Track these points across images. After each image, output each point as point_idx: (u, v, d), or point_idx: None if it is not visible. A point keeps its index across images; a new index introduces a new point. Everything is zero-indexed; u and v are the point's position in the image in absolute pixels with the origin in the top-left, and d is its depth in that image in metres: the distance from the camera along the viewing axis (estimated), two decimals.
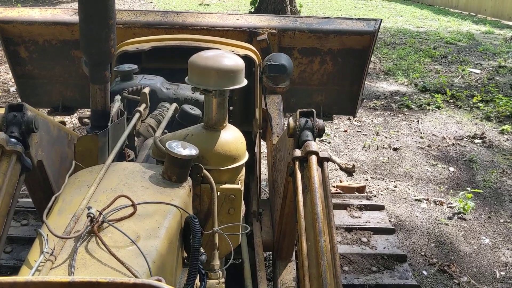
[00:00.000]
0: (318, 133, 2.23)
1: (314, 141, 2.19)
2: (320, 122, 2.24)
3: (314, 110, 2.26)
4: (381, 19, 3.54)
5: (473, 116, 7.17)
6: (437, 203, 5.01)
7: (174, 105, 2.56)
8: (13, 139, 1.97)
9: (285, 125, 2.96)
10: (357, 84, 3.78)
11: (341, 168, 5.45)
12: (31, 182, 2.30)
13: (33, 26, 3.69)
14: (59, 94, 4.03)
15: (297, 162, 2.12)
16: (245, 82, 2.02)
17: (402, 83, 8.57)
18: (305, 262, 1.85)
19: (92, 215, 1.46)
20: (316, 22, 3.55)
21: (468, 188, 5.20)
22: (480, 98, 7.68)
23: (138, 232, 1.52)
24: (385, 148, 6.12)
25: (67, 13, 3.81)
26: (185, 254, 1.85)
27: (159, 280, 1.06)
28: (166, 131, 2.37)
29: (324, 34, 3.43)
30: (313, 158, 2.06)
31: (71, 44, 3.81)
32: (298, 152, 2.14)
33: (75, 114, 4.81)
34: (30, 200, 2.95)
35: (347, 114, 4.32)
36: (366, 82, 8.49)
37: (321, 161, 2.08)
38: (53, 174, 2.30)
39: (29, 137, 2.06)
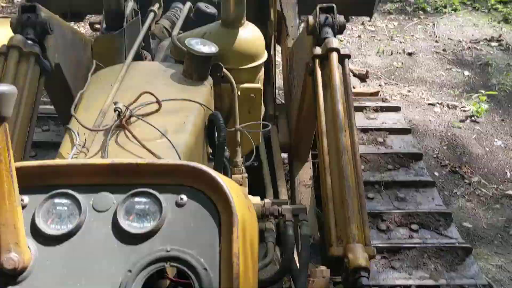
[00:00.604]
0: (339, 29, 2.14)
1: (335, 38, 2.11)
2: (340, 18, 2.14)
3: (334, 5, 2.15)
4: None
5: (491, 18, 6.91)
6: (450, 107, 4.99)
7: (188, 4, 2.48)
8: (29, 41, 1.95)
9: (301, 27, 2.87)
10: None
11: (354, 74, 5.38)
12: (51, 86, 2.30)
13: None
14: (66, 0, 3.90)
15: (317, 60, 2.08)
16: None
17: None
18: (326, 158, 1.88)
19: (119, 110, 1.48)
20: None
21: (482, 91, 5.15)
22: (499, 0, 7.35)
23: (165, 126, 1.54)
24: (399, 53, 5.98)
25: None
26: (210, 150, 1.89)
27: None
28: (181, 31, 2.32)
29: None
30: (334, 55, 2.02)
31: None
32: (318, 50, 2.09)
33: (85, 21, 4.68)
34: (50, 107, 2.97)
35: (363, 15, 4.17)
36: None
37: (342, 58, 2.04)
38: (71, 77, 2.29)
39: (44, 39, 2.02)
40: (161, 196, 0.98)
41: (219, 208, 0.99)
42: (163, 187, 1.00)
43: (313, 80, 2.07)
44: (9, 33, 5.09)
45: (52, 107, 2.94)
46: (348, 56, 2.06)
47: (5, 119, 0.88)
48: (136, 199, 0.98)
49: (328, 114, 1.95)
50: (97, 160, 0.99)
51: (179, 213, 0.98)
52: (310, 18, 2.16)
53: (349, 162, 1.82)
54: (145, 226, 0.96)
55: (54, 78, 2.20)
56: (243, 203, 1.04)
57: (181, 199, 0.99)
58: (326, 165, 1.86)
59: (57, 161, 1.00)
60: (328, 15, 2.14)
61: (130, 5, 2.30)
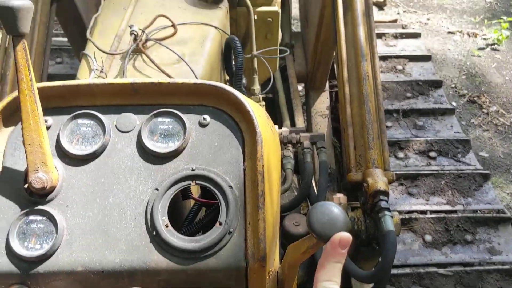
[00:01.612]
0: None
1: None
2: None
3: None
4: None
5: None
6: (470, 35, 4.83)
7: None
8: None
9: None
10: None
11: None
12: (63, 16, 2.25)
13: None
14: None
15: None
16: None
17: None
18: (346, 87, 1.84)
19: (135, 33, 1.44)
20: None
21: (504, 18, 4.95)
22: None
23: (182, 51, 1.50)
24: None
25: None
26: (227, 77, 1.85)
27: None
28: None
29: None
30: None
31: None
32: None
33: None
34: (62, 39, 2.93)
35: None
36: None
37: None
38: (82, 7, 2.24)
39: None
40: (184, 116, 0.96)
41: (242, 127, 0.98)
42: (186, 107, 0.99)
43: (333, 2, 1.99)
44: None
45: (65, 39, 2.90)
46: None
47: (23, 36, 0.86)
48: (160, 119, 0.97)
49: (348, 39, 1.89)
50: (119, 80, 0.97)
51: (203, 133, 0.97)
52: None
53: (370, 90, 1.78)
54: (170, 145, 0.95)
55: (66, 8, 2.15)
56: (265, 123, 1.02)
57: (204, 119, 0.98)
58: (346, 93, 1.82)
59: (79, 81, 0.98)
60: None
61: None
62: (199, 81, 1.01)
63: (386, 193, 1.58)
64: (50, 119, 0.98)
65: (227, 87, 0.99)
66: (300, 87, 3.19)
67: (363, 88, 1.77)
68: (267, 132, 1.01)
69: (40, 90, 0.92)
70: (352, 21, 1.88)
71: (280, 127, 2.06)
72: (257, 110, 1.00)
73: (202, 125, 0.99)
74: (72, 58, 2.91)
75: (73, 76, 2.79)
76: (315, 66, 2.74)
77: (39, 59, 1.77)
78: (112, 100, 0.99)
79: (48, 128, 0.97)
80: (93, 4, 2.30)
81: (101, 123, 0.97)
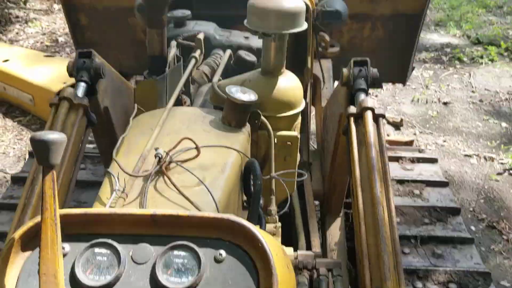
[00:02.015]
0: (372, 82, 2.17)
1: (368, 90, 2.14)
2: (374, 70, 2.18)
3: (368, 58, 2.19)
4: None
5: None
6: (487, 158, 4.87)
7: (229, 51, 2.54)
8: (79, 95, 2.03)
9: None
10: (408, 51, 3.67)
11: (389, 122, 5.33)
12: (98, 127, 2.35)
13: None
14: (116, 61, 4.07)
15: (351, 118, 2.05)
16: (305, 25, 1.97)
17: (454, 35, 8.18)
18: (361, 212, 1.83)
19: (160, 156, 1.49)
20: None
21: None
22: None
23: (204, 173, 1.54)
24: (435, 102, 5.93)
25: None
26: (245, 198, 1.87)
27: None
28: (220, 78, 2.36)
29: None
30: (369, 114, 1.98)
31: (128, 11, 3.84)
32: (352, 109, 2.06)
33: (132, 81, 4.87)
34: (88, 145, 3.03)
35: (397, 81, 4.23)
36: None
37: (377, 117, 2.00)
38: (117, 121, 2.36)
39: (97, 83, 2.14)
40: (200, 251, 0.96)
41: (258, 265, 0.97)
42: (202, 240, 0.99)
43: (348, 139, 2.04)
44: (53, 71, 5.27)
45: (90, 145, 3.01)
46: (383, 116, 2.03)
47: (53, 167, 0.89)
48: (175, 252, 0.97)
49: (363, 172, 1.91)
50: (139, 211, 0.99)
51: (218, 269, 0.96)
52: (345, 70, 2.21)
53: (385, 221, 1.77)
54: (183, 281, 0.94)
55: (101, 121, 2.26)
56: (282, 261, 1.01)
57: (220, 254, 0.97)
58: (361, 223, 1.82)
59: (100, 210, 1.00)
60: (361, 67, 2.17)
61: (173, 51, 2.37)
62: (218, 215, 1.02)
63: None
64: (68, 246, 0.99)
65: (246, 223, 1.00)
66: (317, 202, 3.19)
67: (378, 218, 1.76)
68: (283, 271, 1.00)
69: (62, 217, 0.94)
70: (366, 155, 1.91)
71: (295, 249, 2.03)
72: (274, 248, 0.99)
73: (218, 260, 0.98)
74: (95, 165, 3.00)
75: (94, 183, 2.84)
76: (331, 189, 2.76)
77: (68, 177, 1.83)
78: (130, 230, 1.00)
79: (65, 255, 0.98)
80: (127, 121, 2.42)
81: (117, 253, 0.97)
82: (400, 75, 3.81)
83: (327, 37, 3.06)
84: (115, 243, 0.96)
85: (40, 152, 0.87)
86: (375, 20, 3.56)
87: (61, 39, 7.60)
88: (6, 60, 5.48)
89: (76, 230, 1.00)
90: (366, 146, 1.91)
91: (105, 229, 1.00)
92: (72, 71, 2.09)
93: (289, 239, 2.76)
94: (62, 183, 1.81)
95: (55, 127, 1.87)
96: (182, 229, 1.00)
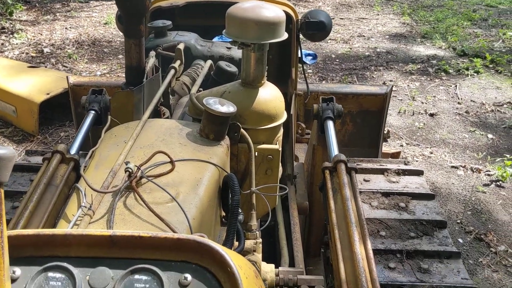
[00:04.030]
0: (337, 114, 2.58)
1: (334, 119, 2.55)
2: (338, 106, 2.61)
3: (333, 96, 2.66)
4: (393, 85, 4.08)
5: None
6: (474, 170, 4.85)
7: (209, 62, 2.48)
8: (73, 153, 2.05)
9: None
10: (374, 145, 4.00)
11: None
12: None
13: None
14: None
15: (326, 172, 2.14)
16: (285, 35, 1.92)
17: (439, 47, 8.23)
18: (338, 251, 1.80)
19: (130, 170, 1.42)
20: (337, 86, 4.09)
21: (507, 155, 5.00)
22: None
23: (178, 188, 1.47)
24: (421, 113, 5.92)
25: None
26: (223, 213, 1.80)
27: (202, 236, 1.01)
28: (201, 89, 2.30)
29: (344, 95, 3.86)
30: (342, 166, 2.10)
31: None
32: (327, 163, 2.19)
33: None
34: None
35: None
36: (402, 46, 8.14)
37: (349, 171, 2.11)
38: None
39: (105, 115, 2.33)
40: (163, 274, 0.89)
41: None
42: (166, 263, 0.92)
43: (324, 193, 2.10)
44: (37, 82, 5.22)
45: None
46: (355, 170, 2.12)
47: (1, 185, 0.82)
48: (136, 276, 0.89)
49: (338, 217, 1.94)
50: (97, 231, 0.92)
51: None
52: (315, 105, 2.61)
53: (365, 271, 1.72)
54: None
55: None
56: (253, 285, 0.94)
57: (185, 278, 0.90)
58: (339, 255, 1.78)
59: (54, 231, 0.93)
60: (328, 102, 2.62)
61: (151, 61, 2.31)
62: (183, 236, 0.95)
63: None
64: (19, 270, 0.91)
65: (213, 244, 0.93)
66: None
67: (355, 253, 1.73)
68: None
69: (13, 238, 0.87)
70: (342, 204, 1.94)
71: (277, 266, 1.96)
72: (244, 271, 0.92)
73: (183, 285, 0.91)
74: None
75: None
76: (310, 233, 2.81)
77: (52, 221, 1.75)
78: (88, 252, 0.93)
79: (15, 280, 0.90)
80: None
81: (72, 277, 0.90)
82: (373, 152, 4.11)
83: (303, 125, 3.77)
84: (70, 267, 0.89)
85: None
86: (344, 115, 3.87)
87: (46, 50, 7.51)
88: None
89: (29, 253, 0.92)
90: (342, 196, 1.99)
91: (60, 251, 0.92)
92: (85, 104, 2.38)
93: (272, 253, 2.69)
94: (49, 217, 1.74)
95: (44, 176, 1.84)
96: (144, 251, 0.93)
